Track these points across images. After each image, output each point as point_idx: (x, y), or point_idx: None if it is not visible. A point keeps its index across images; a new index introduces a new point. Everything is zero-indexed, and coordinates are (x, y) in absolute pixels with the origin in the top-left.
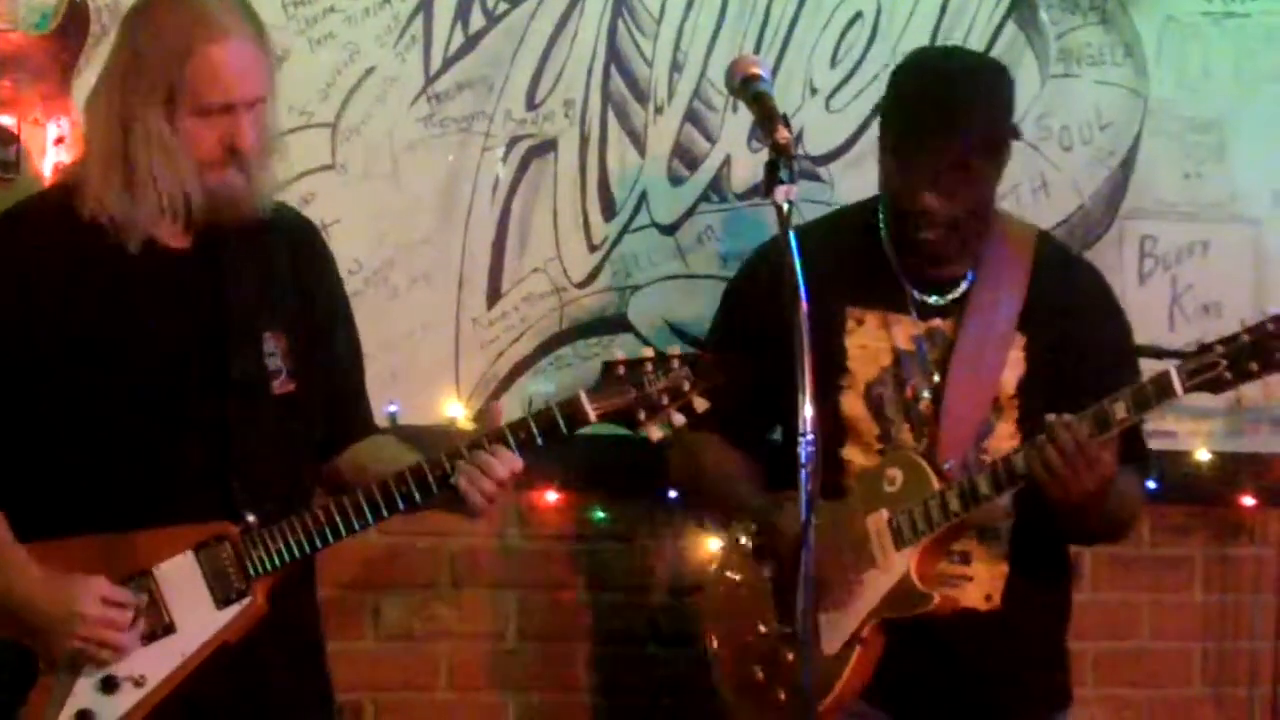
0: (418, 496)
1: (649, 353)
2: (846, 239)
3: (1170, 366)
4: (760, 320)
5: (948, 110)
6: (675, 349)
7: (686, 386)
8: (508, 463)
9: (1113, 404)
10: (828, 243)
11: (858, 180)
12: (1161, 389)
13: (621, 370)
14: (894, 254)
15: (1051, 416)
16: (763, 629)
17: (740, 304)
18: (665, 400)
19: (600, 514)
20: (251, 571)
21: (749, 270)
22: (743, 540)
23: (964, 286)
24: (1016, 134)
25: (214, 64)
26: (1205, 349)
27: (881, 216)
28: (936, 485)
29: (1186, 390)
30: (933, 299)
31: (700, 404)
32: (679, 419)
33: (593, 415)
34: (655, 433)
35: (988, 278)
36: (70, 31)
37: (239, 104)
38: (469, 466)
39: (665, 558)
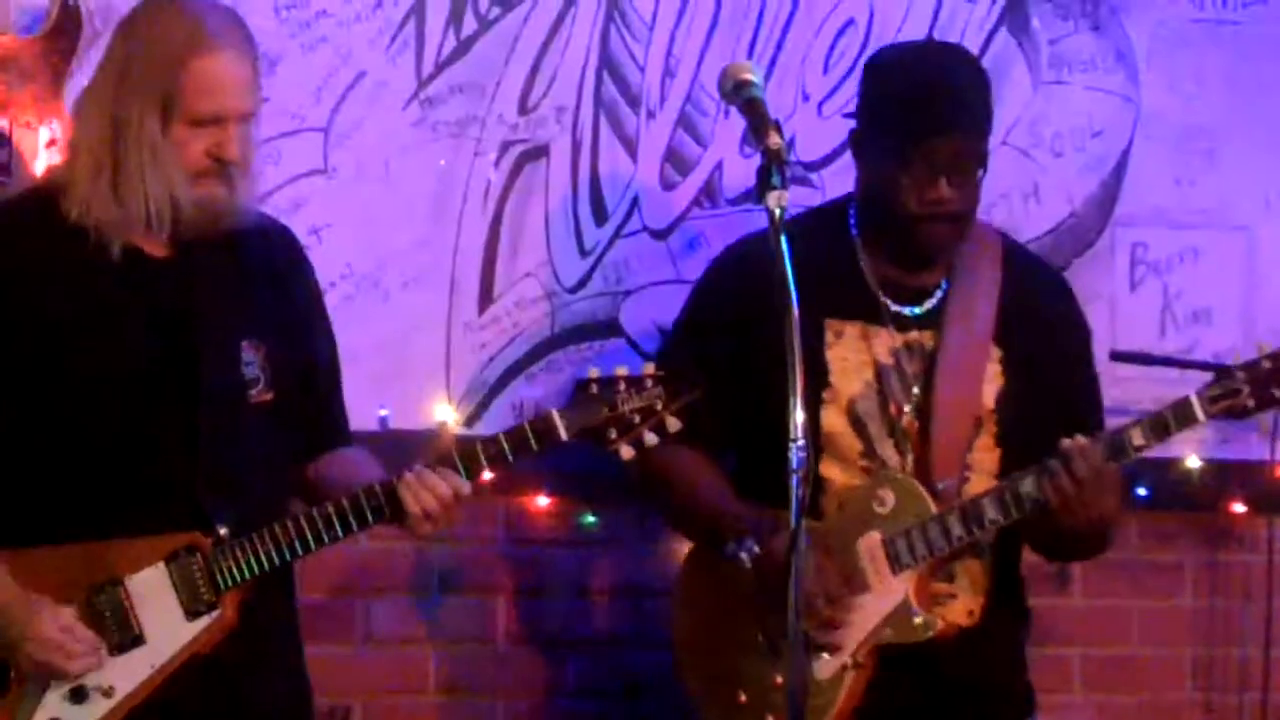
0: (387, 511)
1: (622, 371)
2: (818, 246)
3: (1191, 393)
4: (736, 326)
5: (959, 99)
6: (649, 367)
7: (659, 406)
8: (452, 483)
9: (1129, 430)
10: (799, 250)
11: (848, 186)
12: (1182, 415)
13: (594, 388)
14: (869, 261)
15: (1066, 442)
16: (748, 651)
17: (709, 311)
18: (638, 419)
19: (590, 518)
20: (221, 584)
21: (715, 277)
22: (746, 563)
23: (939, 296)
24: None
25: (210, 74)
26: (1226, 374)
27: (855, 222)
28: (934, 508)
29: (1209, 417)
30: (909, 310)
31: (673, 424)
32: (651, 438)
33: (564, 434)
34: (626, 451)
35: (962, 287)
36: (62, 34)
37: (230, 116)
38: (413, 480)
39: (653, 562)
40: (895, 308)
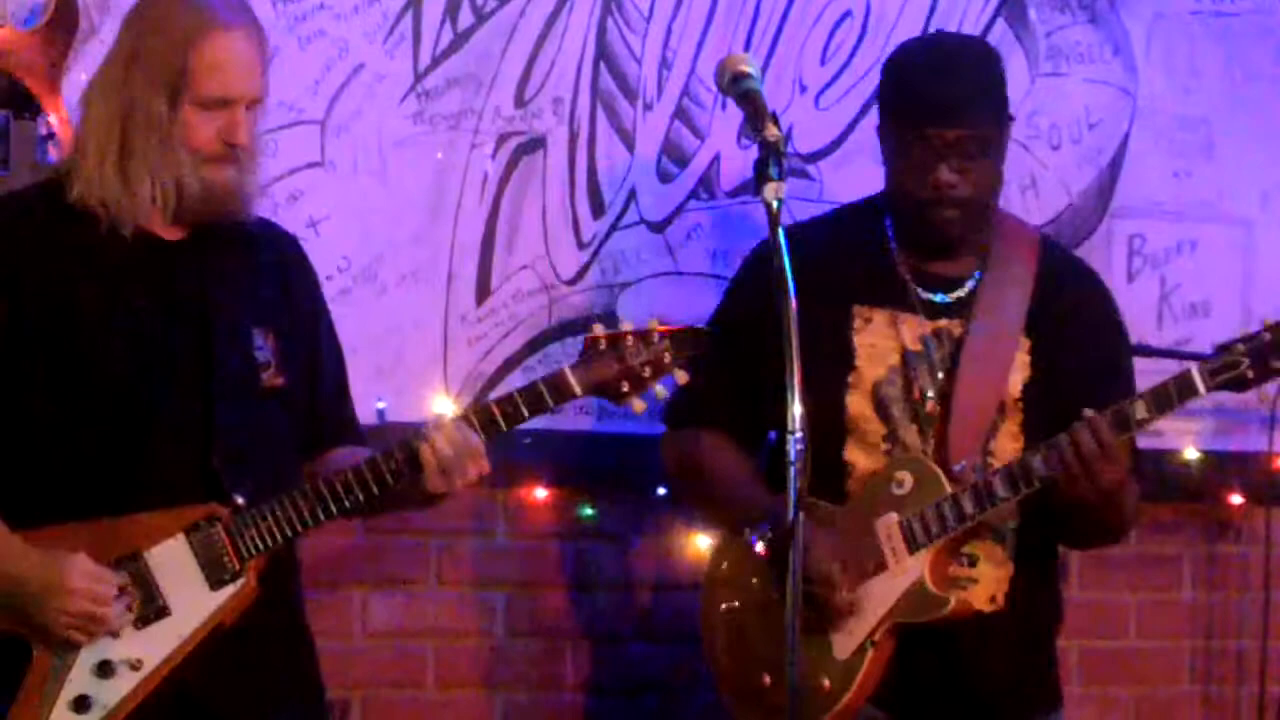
0: (406, 471)
1: (629, 326)
2: (850, 237)
3: (1192, 366)
4: (759, 320)
5: (963, 84)
6: (654, 322)
7: (668, 359)
8: (468, 437)
9: (1133, 404)
10: (831, 241)
11: (846, 178)
12: (1184, 388)
13: (603, 344)
14: (900, 251)
15: (1076, 424)
16: (771, 635)
17: (738, 304)
18: (648, 373)
19: (588, 511)
20: (245, 552)
21: (746, 271)
22: (759, 546)
23: (970, 285)
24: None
25: (219, 55)
26: (1226, 347)
27: (887, 213)
28: (949, 488)
29: (1209, 389)
30: (939, 298)
31: (681, 376)
32: (661, 391)
33: (577, 389)
34: (638, 404)
35: (994, 278)
36: (59, 28)
37: (239, 100)
38: (429, 428)
39: (653, 555)
40: (925, 295)
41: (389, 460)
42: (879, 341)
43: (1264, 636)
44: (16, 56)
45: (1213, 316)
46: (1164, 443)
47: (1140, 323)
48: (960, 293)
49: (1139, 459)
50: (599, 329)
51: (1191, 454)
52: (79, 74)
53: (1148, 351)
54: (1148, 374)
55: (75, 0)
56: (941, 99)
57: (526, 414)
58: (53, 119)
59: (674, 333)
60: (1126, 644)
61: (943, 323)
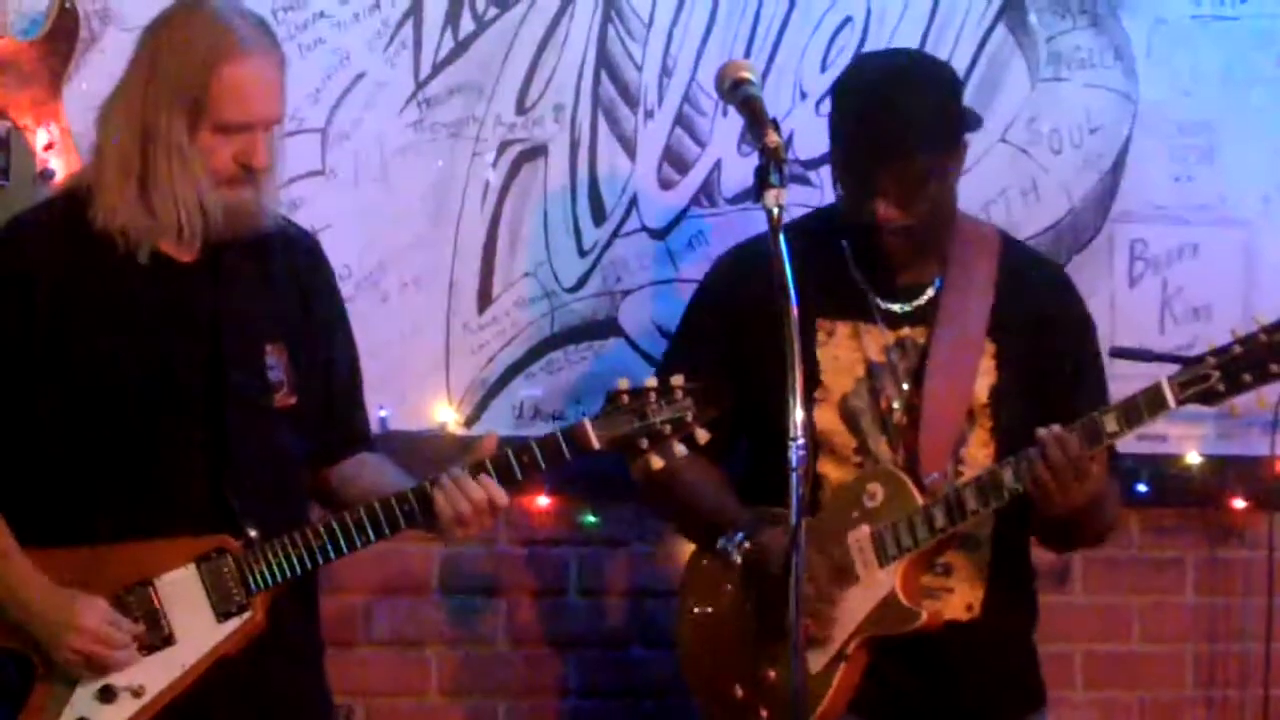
0: (419, 516)
1: (652, 382)
2: (809, 250)
3: (1162, 379)
4: (732, 331)
5: (890, 121)
6: (679, 379)
7: (689, 417)
8: (489, 490)
9: (1103, 417)
10: (793, 251)
11: None
12: (1153, 402)
13: (625, 399)
14: (856, 264)
15: (1041, 431)
16: (743, 647)
17: (708, 312)
18: (668, 430)
19: (590, 518)
20: (253, 586)
21: (715, 279)
22: (735, 558)
23: (931, 293)
24: (972, 124)
25: (238, 81)
26: (1197, 360)
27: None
28: (920, 500)
29: (1179, 403)
30: (899, 307)
31: (702, 435)
32: (680, 449)
33: (596, 443)
34: (656, 462)
35: (955, 284)
36: (60, 37)
37: (258, 124)
38: (449, 484)
39: (654, 561)
40: (885, 305)
41: (403, 503)
42: (843, 354)
43: (1267, 640)
44: (17, 67)
45: (1215, 320)
46: (1167, 447)
47: (1142, 327)
48: (920, 300)
49: (1118, 462)
50: (624, 384)
51: (1194, 458)
52: (80, 83)
53: (1150, 356)
54: (1150, 378)
55: (76, 10)
56: (878, 138)
57: (544, 465)
58: (54, 129)
59: (697, 390)
60: (1130, 648)
61: (905, 332)
